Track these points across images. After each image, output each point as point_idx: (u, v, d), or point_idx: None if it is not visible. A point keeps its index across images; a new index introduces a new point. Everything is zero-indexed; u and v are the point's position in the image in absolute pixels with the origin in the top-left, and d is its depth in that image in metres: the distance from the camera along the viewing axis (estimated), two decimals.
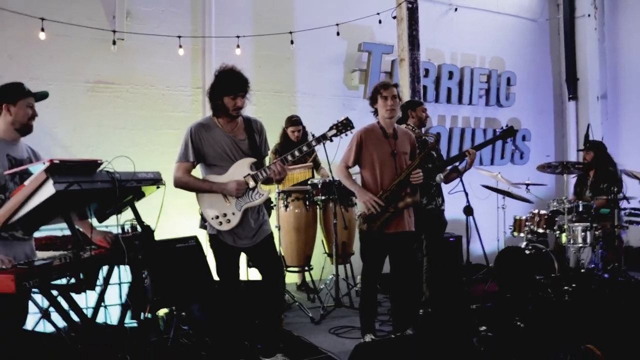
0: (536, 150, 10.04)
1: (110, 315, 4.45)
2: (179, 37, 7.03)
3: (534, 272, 6.24)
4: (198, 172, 4.30)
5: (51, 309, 3.86)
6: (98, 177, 3.31)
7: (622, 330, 4.70)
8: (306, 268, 6.77)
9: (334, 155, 5.27)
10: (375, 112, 4.88)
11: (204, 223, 4.95)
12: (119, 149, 4.25)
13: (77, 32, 6.53)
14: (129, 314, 3.99)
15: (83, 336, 3.71)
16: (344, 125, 4.28)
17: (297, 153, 4.20)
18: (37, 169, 3.08)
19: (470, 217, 5.04)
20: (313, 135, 4.53)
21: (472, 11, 9.46)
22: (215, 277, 4.40)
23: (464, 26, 9.41)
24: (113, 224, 3.68)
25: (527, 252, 6.49)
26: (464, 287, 6.04)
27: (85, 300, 4.94)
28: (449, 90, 9.15)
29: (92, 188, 3.24)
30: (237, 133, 4.22)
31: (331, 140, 4.30)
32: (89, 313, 3.88)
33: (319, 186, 6.34)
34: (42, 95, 3.77)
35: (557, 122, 10.62)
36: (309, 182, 6.43)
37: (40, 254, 3.71)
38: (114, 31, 6.72)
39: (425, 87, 8.57)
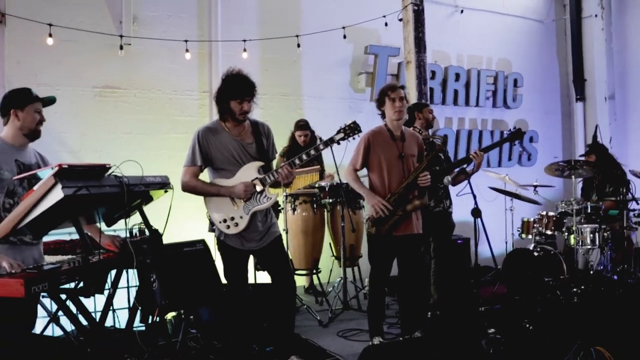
0: (544, 151, 10.00)
1: (119, 319, 4.46)
2: (186, 41, 7.04)
3: (543, 274, 6.22)
4: (206, 176, 4.30)
5: (60, 312, 3.88)
6: (106, 182, 3.32)
7: (631, 332, 4.67)
8: (314, 271, 6.78)
9: (342, 159, 5.27)
10: (383, 115, 4.87)
11: (212, 227, 4.96)
12: (127, 154, 4.28)
13: (84, 37, 6.57)
14: (137, 318, 4.00)
15: (92, 340, 3.72)
16: (352, 129, 4.27)
17: (304, 157, 4.19)
18: (46, 173, 3.09)
19: (478, 219, 5.03)
20: (320, 139, 4.53)
21: (478, 13, 9.45)
22: (224, 281, 4.40)
23: (470, 28, 9.40)
24: (121, 228, 3.69)
25: (535, 254, 6.47)
26: (472, 289, 6.02)
27: (94, 304, 4.95)
28: (456, 92, 9.14)
29: (100, 192, 3.25)
30: (245, 137, 4.22)
31: (338, 144, 4.29)
32: (97, 317, 3.89)
33: (327, 189, 6.35)
34: (50, 100, 3.78)
35: (564, 124, 10.59)
36: (317, 185, 6.44)
37: (49, 258, 3.73)
38: (121, 36, 6.75)
39: (432, 89, 8.55)
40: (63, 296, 3.56)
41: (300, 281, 7.19)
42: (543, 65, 10.32)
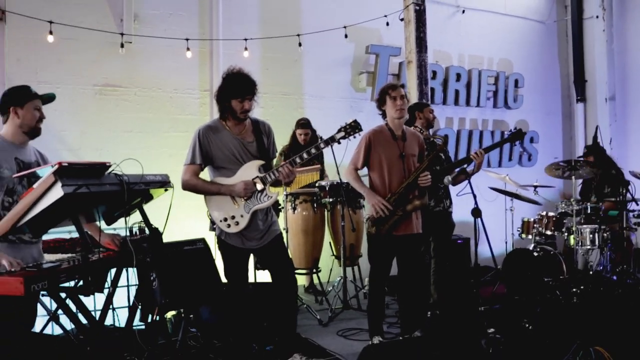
0: (544, 152, 10.00)
1: (119, 317, 4.46)
2: (187, 39, 7.04)
3: (543, 274, 6.23)
4: (206, 175, 4.30)
5: (59, 311, 3.88)
6: (106, 180, 3.32)
7: (630, 332, 4.68)
8: (314, 270, 6.78)
9: (342, 158, 5.27)
10: (384, 115, 4.87)
11: (213, 226, 4.97)
12: (127, 152, 4.28)
13: (85, 35, 6.56)
14: (137, 317, 4.00)
15: (91, 339, 3.72)
16: (352, 128, 4.26)
17: (305, 155, 4.19)
18: (45, 172, 3.09)
19: (479, 219, 5.03)
20: (321, 138, 4.52)
21: (480, 13, 9.44)
22: (224, 280, 4.40)
23: (472, 28, 9.40)
24: (121, 227, 3.69)
25: (535, 254, 6.48)
26: (472, 289, 6.02)
27: (94, 302, 4.96)
28: (457, 92, 9.13)
29: (100, 191, 3.25)
30: (245, 135, 4.22)
31: (339, 143, 4.28)
32: (97, 315, 3.88)
33: (327, 188, 6.34)
34: (49, 98, 3.77)
35: (565, 124, 10.58)
36: (317, 184, 6.44)
37: (49, 257, 3.73)
38: (122, 34, 6.74)
39: (432, 89, 8.55)
40: (63, 295, 3.56)
41: (300, 280, 7.18)
42: (544, 66, 10.31)
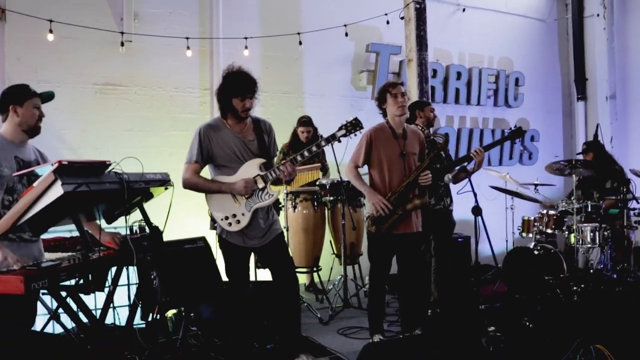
0: (545, 150, 10.00)
1: (119, 316, 4.45)
2: (187, 38, 7.04)
3: (543, 273, 6.22)
4: (207, 173, 4.29)
5: (60, 310, 3.88)
6: (106, 178, 3.32)
7: (631, 331, 4.68)
8: (314, 269, 6.78)
9: (342, 156, 5.26)
10: (384, 114, 4.87)
11: (214, 224, 4.96)
12: (127, 151, 4.29)
13: (85, 33, 6.55)
14: (137, 315, 4.00)
15: (92, 337, 3.72)
16: (353, 126, 4.25)
17: (306, 153, 4.18)
18: (45, 170, 3.08)
19: (479, 218, 5.02)
20: (321, 137, 4.52)
21: (480, 11, 9.43)
22: (224, 278, 4.40)
23: (472, 27, 9.39)
24: (121, 225, 3.68)
25: (535, 252, 6.47)
26: (472, 287, 6.01)
27: (94, 301, 4.96)
28: (457, 90, 9.13)
29: (100, 189, 3.24)
30: (246, 134, 4.21)
31: (339, 141, 4.27)
32: (97, 314, 3.89)
33: (327, 187, 6.34)
34: (48, 96, 3.76)
35: (565, 123, 10.58)
36: (317, 182, 6.43)
37: (49, 255, 3.73)
38: (122, 33, 6.74)
39: (433, 88, 8.55)
40: (63, 293, 3.56)
41: (301, 279, 7.18)
42: (544, 65, 10.31)
